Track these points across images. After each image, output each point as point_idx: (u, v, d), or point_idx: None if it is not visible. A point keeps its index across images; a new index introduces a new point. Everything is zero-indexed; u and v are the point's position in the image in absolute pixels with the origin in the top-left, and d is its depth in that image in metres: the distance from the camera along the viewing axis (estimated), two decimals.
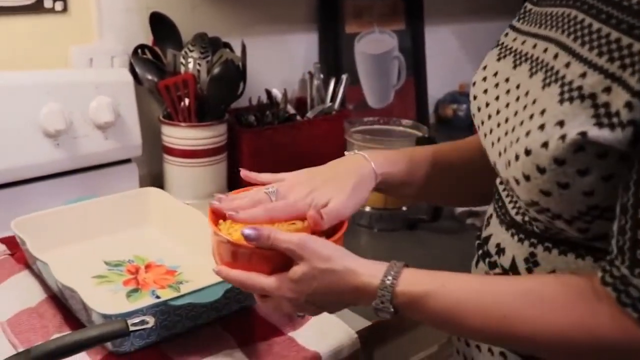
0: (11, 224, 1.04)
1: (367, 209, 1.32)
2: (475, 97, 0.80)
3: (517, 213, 0.74)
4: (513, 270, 0.74)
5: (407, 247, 1.25)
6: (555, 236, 0.70)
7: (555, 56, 0.66)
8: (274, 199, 0.78)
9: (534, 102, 0.66)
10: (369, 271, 0.70)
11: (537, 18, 0.74)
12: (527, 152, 0.64)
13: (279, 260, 0.72)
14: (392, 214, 1.32)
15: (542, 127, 0.63)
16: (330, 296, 0.71)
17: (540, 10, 0.75)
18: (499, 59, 0.78)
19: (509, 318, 0.65)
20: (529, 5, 0.79)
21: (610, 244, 0.62)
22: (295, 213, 0.77)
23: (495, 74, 0.77)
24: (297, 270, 0.71)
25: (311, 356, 0.88)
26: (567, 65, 0.64)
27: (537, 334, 0.64)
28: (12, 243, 1.09)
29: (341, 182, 0.80)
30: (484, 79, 0.79)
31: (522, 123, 0.67)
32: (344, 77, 1.60)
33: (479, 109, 0.79)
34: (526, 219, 0.72)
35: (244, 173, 0.82)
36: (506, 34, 0.81)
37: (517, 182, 0.67)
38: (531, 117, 0.65)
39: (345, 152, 0.88)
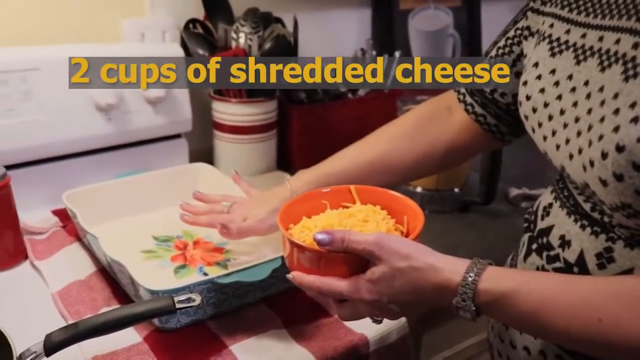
0: (63, 196, 1.06)
1: (419, 189, 1.29)
2: (528, 97, 0.76)
3: (593, 209, 0.70)
4: (579, 265, 0.70)
5: (459, 229, 1.22)
6: None
7: (635, 46, 0.62)
8: (226, 211, 0.99)
9: (615, 96, 0.62)
10: (451, 267, 0.66)
11: (594, 7, 0.69)
12: (620, 149, 0.60)
13: (354, 261, 0.69)
14: (444, 196, 1.29)
15: (635, 120, 0.59)
16: (411, 295, 0.68)
17: None
18: (553, 55, 0.73)
19: (602, 320, 0.59)
20: None
21: None
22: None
23: (553, 72, 0.72)
24: (375, 270, 0.68)
25: (358, 339, 0.87)
26: None
27: (632, 340, 0.58)
28: (64, 215, 1.11)
29: (264, 207, 0.95)
30: (539, 77, 0.74)
31: (602, 119, 0.62)
32: (397, 54, 1.57)
33: (534, 110, 0.74)
34: (608, 219, 0.67)
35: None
36: (551, 25, 0.75)
37: (605, 183, 0.62)
38: (616, 112, 0.61)
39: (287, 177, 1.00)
